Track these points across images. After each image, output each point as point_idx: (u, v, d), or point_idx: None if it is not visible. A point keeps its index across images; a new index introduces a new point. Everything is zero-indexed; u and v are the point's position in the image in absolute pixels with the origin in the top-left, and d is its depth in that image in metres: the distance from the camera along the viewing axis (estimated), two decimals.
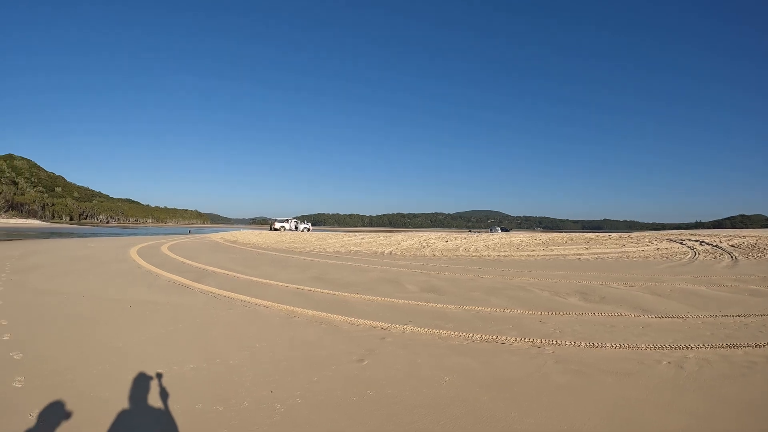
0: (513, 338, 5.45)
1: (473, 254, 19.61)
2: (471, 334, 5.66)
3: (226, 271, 13.49)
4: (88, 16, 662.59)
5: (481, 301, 8.24)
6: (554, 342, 5.29)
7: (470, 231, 61.65)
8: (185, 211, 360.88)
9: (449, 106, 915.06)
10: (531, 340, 5.39)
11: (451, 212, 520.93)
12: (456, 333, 5.75)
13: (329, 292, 9.33)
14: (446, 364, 4.68)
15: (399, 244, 23.85)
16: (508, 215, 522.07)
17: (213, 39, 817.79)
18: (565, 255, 18.57)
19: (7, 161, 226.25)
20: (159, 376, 4.53)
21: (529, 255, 18.86)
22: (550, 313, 7.07)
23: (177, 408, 3.74)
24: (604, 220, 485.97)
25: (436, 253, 20.30)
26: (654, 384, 3.99)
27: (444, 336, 5.66)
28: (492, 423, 3.35)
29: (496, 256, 18.77)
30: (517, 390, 3.93)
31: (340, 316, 6.97)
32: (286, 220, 64.66)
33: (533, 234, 29.95)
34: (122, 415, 3.65)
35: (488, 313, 7.16)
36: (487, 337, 5.53)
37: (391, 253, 21.04)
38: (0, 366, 4.75)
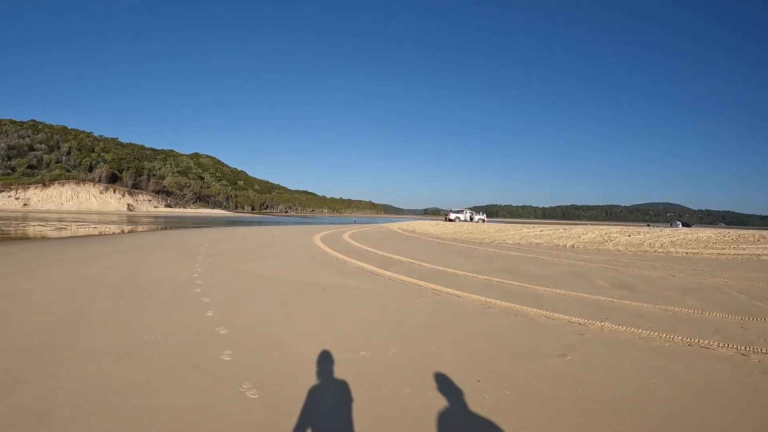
0: (716, 343, 5.44)
1: (659, 250, 18.05)
2: (672, 336, 5.72)
3: (410, 260, 13.50)
4: (275, 21, 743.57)
5: (676, 301, 8.02)
6: (759, 350, 5.16)
7: (649, 225, 53.92)
8: (359, 201, 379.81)
9: (627, 97, 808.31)
10: (735, 346, 5.32)
11: (627, 204, 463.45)
12: (656, 334, 5.83)
13: (518, 284, 9.51)
14: (650, 366, 4.50)
15: (580, 237, 22.94)
16: (688, 208, 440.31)
17: (386, 45, 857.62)
18: (759, 255, 15.91)
19: (194, 159, 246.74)
20: (363, 358, 4.49)
21: (718, 253, 16.64)
22: (751, 319, 6.68)
23: (385, 391, 3.72)
24: None
25: (620, 248, 19.12)
26: None
27: (644, 336, 5.78)
28: (704, 430, 3.22)
29: (684, 253, 17.02)
30: (725, 398, 3.76)
31: (535, 309, 6.90)
32: (461, 211, 61.92)
33: (720, 230, 25.78)
34: (330, 394, 3.66)
35: (686, 314, 7.04)
36: (688, 340, 5.57)
37: (573, 246, 20.47)
38: (208, 340, 4.97)
